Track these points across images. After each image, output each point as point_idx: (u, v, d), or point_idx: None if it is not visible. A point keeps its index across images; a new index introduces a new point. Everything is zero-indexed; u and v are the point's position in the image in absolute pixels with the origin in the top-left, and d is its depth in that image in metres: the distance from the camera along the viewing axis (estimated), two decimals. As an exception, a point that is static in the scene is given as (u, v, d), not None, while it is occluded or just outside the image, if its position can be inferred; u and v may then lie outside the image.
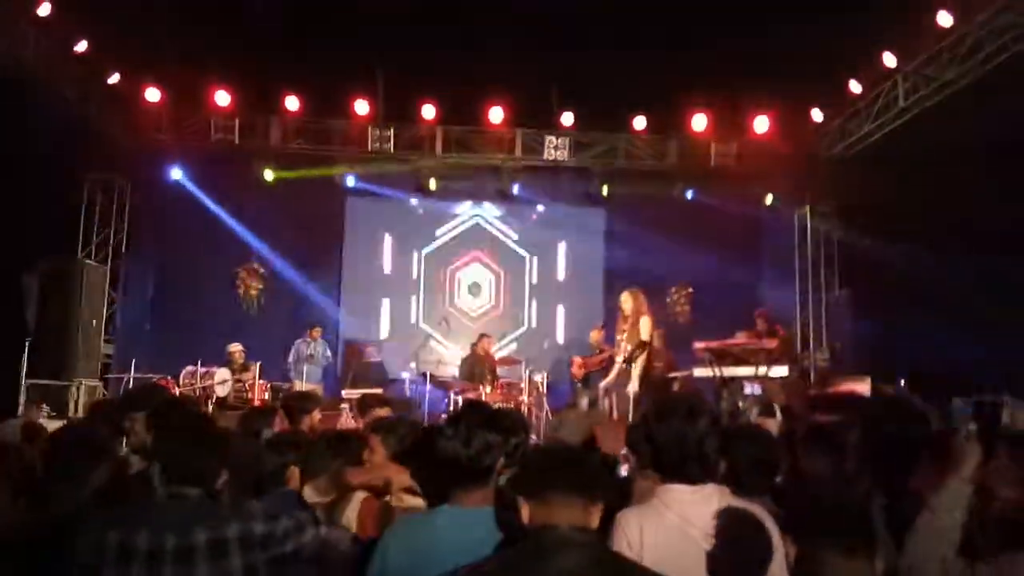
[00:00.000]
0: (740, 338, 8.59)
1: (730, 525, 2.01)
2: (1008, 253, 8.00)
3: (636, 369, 7.06)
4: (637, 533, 2.03)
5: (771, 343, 7.82)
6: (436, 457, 2.19)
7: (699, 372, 8.15)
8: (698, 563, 1.98)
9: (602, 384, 7.61)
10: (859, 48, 9.13)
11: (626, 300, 7.34)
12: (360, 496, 2.69)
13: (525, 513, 1.81)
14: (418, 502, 2.61)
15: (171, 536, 1.98)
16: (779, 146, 11.25)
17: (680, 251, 11.45)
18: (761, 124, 11.01)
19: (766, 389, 7.74)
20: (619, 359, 7.38)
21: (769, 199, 11.65)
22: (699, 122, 11.00)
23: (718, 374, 7.72)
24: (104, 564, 1.98)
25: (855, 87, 9.86)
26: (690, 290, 11.79)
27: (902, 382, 9.15)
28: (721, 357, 7.92)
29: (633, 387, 7.02)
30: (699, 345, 8.13)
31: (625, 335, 7.27)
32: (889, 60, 9.10)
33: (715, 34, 8.75)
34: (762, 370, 7.55)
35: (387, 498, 2.68)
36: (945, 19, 8.12)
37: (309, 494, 2.70)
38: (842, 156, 10.80)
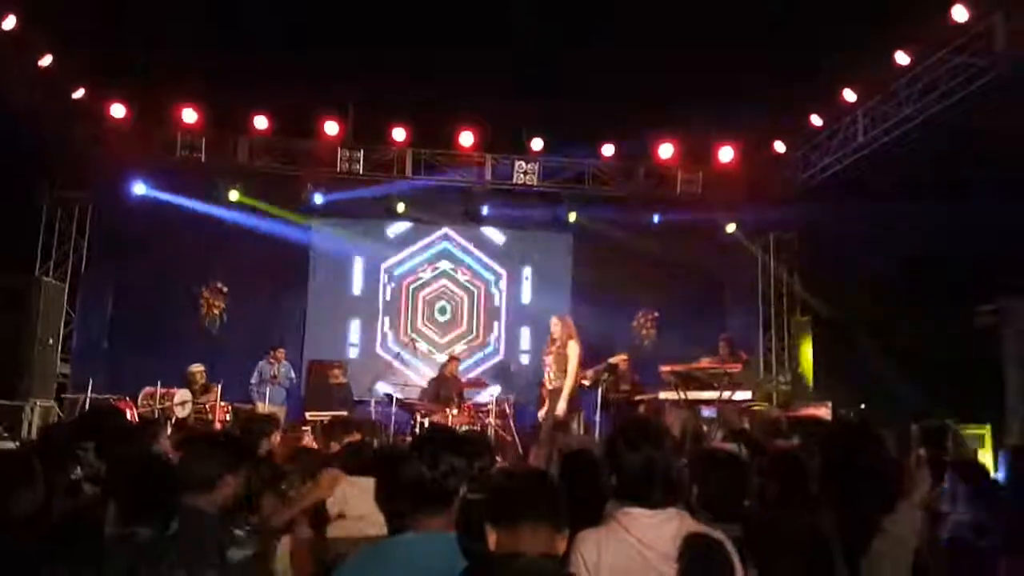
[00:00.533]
0: (704, 362, 8.72)
1: (693, 550, 2.03)
2: (972, 282, 8.27)
3: (565, 391, 7.10)
4: (595, 554, 2.04)
5: (734, 367, 7.95)
6: (399, 480, 2.17)
7: (664, 395, 8.24)
8: None
9: (541, 413, 7.60)
10: (821, 83, 9.42)
11: (555, 325, 7.41)
12: (286, 541, 2.59)
13: (492, 540, 1.81)
14: (356, 526, 2.54)
15: None
16: (743, 176, 11.52)
17: (646, 276, 11.62)
18: (726, 154, 11.28)
19: (722, 413, 7.86)
20: (548, 383, 7.42)
21: (733, 227, 11.87)
22: (665, 151, 11.22)
23: (683, 397, 7.81)
24: None
25: (816, 120, 10.16)
26: (656, 314, 11.91)
27: (862, 406, 9.36)
28: (686, 381, 8.02)
29: (562, 407, 7.05)
30: (665, 369, 8.22)
31: (552, 358, 7.32)
32: (849, 96, 9.42)
33: (683, 66, 8.94)
34: (726, 394, 7.65)
35: (322, 527, 2.61)
36: (903, 58, 8.45)
37: (234, 545, 2.49)
38: (804, 186, 11.07)
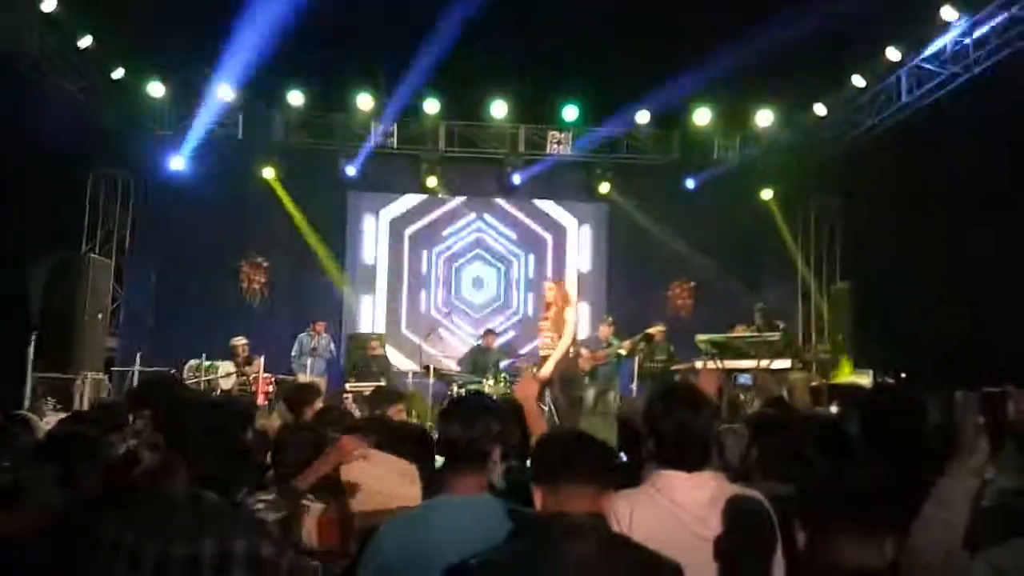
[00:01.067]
0: (739, 330, 8.66)
1: (730, 513, 2.04)
2: (1009, 247, 8.02)
3: (557, 354, 6.77)
4: (627, 515, 2.06)
5: (773, 336, 7.87)
6: (437, 441, 2.21)
7: (701, 364, 8.21)
8: (687, 547, 2.00)
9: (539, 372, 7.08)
10: (862, 42, 9.15)
11: (551, 290, 7.12)
12: (316, 509, 2.60)
13: (538, 500, 1.84)
14: (382, 499, 2.56)
15: (180, 544, 1.91)
16: (782, 140, 11.29)
17: (682, 245, 11.51)
18: (764, 118, 11.04)
19: (758, 380, 7.81)
20: (545, 349, 7.06)
21: (771, 193, 11.67)
22: (702, 116, 11.03)
23: (720, 366, 7.77)
24: (117, 563, 1.94)
25: (858, 81, 9.87)
26: (692, 284, 11.81)
27: (903, 375, 9.21)
28: (723, 350, 7.98)
29: (548, 368, 6.76)
30: (701, 338, 8.19)
31: (550, 324, 6.99)
32: (892, 54, 9.12)
33: (718, 28, 8.75)
34: (764, 363, 7.60)
35: (346, 499, 2.62)
36: (949, 14, 8.15)
37: (261, 509, 2.55)
38: (845, 149, 10.81)
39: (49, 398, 8.45)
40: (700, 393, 2.31)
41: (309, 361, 9.96)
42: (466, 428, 2.14)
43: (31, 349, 8.70)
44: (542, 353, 7.00)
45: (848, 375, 9.52)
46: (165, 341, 10.49)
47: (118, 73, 10.01)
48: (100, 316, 9.90)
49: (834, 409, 7.79)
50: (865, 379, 8.92)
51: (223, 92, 10.59)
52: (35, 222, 9.33)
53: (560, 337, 6.78)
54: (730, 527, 2.05)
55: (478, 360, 9.85)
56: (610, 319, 9.74)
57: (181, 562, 1.90)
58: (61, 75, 9.39)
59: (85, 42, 9.22)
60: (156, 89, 10.54)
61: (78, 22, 8.98)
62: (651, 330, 9.51)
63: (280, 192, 11.14)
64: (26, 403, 8.05)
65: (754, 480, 2.53)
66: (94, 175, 11.12)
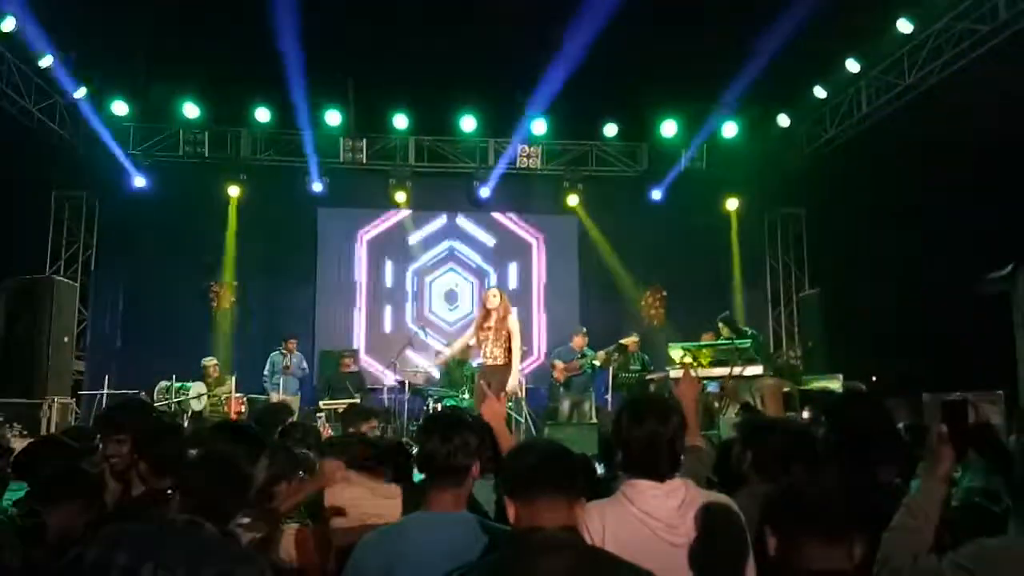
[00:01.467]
0: (708, 338, 8.75)
1: (700, 519, 2.06)
2: (977, 252, 8.23)
3: (515, 366, 6.65)
4: (599, 525, 2.07)
5: (744, 343, 7.95)
6: (414, 459, 2.22)
7: (674, 373, 8.26)
8: (660, 556, 2.02)
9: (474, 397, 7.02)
10: (824, 55, 9.36)
11: (493, 297, 6.80)
12: (292, 528, 2.59)
13: (511, 514, 1.83)
14: (364, 518, 2.56)
15: (181, 569, 1.84)
16: (747, 151, 11.48)
17: (653, 255, 11.62)
18: (729, 129, 11.24)
19: (727, 388, 7.88)
20: (489, 359, 6.76)
21: (736, 203, 11.84)
22: (669, 128, 11.19)
23: (694, 375, 7.82)
24: None
25: (819, 92, 10.10)
26: (663, 293, 11.92)
27: (872, 379, 9.37)
28: (696, 358, 8.04)
29: (512, 382, 6.63)
30: (674, 347, 8.25)
31: (491, 335, 6.68)
32: (852, 66, 9.35)
33: (684, 42, 8.89)
34: (736, 370, 7.67)
35: (321, 522, 2.61)
36: (905, 26, 8.39)
37: (239, 533, 2.47)
38: (809, 159, 11.03)
39: (15, 424, 8.24)
40: (668, 403, 2.34)
41: (281, 380, 9.85)
42: (444, 442, 2.15)
43: (-6, 375, 8.51)
44: (488, 363, 6.78)
45: (818, 381, 9.65)
46: (134, 363, 10.31)
47: (80, 92, 9.87)
48: (66, 339, 9.71)
49: (806, 415, 7.89)
50: (835, 384, 9.04)
51: (189, 110, 10.49)
52: (-3, 244, 9.16)
53: (508, 346, 6.64)
54: (701, 533, 2.06)
55: (454, 374, 9.81)
56: (584, 330, 9.78)
57: None
58: (21, 95, 9.24)
59: (46, 62, 9.09)
60: (120, 108, 10.41)
61: (38, 42, 8.86)
62: (625, 340, 9.61)
63: (233, 214, 10.99)
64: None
65: (751, 483, 2.55)
66: (57, 196, 10.93)
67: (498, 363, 6.68)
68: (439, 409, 8.37)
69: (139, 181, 10.82)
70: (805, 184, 11.32)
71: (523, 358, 7.43)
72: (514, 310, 6.94)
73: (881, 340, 9.41)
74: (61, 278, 10.22)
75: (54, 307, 9.37)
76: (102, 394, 9.41)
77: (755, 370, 7.92)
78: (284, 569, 2.45)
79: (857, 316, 10.04)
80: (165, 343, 10.35)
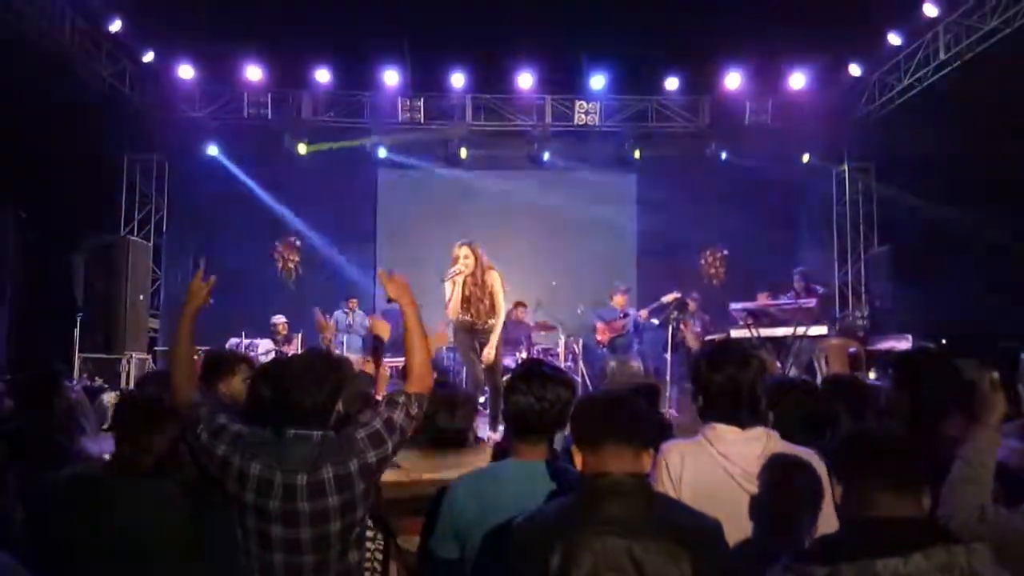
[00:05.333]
0: (763, 297, 8.57)
1: (778, 470, 2.05)
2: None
3: (498, 329, 5.88)
4: (678, 464, 2.09)
5: (809, 302, 7.78)
6: (505, 412, 2.27)
7: (736, 334, 8.15)
8: (732, 501, 2.03)
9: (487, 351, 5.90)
10: (898, -2, 8.89)
11: (466, 254, 5.86)
12: None
13: (578, 460, 1.87)
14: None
15: (303, 474, 2.11)
16: (816, 102, 11.05)
17: (713, 213, 11.38)
18: (797, 80, 10.81)
19: (794, 347, 7.72)
20: (474, 320, 5.95)
21: (806, 157, 11.46)
22: (732, 80, 10.84)
23: (755, 335, 7.72)
24: (246, 492, 2.12)
25: (894, 39, 9.60)
26: (724, 252, 11.70)
27: (943, 341, 9.05)
28: (758, 318, 7.91)
29: (492, 349, 5.82)
30: (735, 306, 8.12)
31: (475, 299, 5.87)
32: (930, 10, 8.85)
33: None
34: (800, 330, 7.53)
35: None
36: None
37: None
38: (881, 111, 10.55)
39: (96, 377, 8.70)
40: (747, 348, 2.31)
41: (345, 338, 10.10)
42: (538, 399, 2.19)
43: (77, 331, 8.96)
44: (478, 325, 5.97)
45: (885, 341, 9.39)
46: (204, 320, 10.62)
47: (148, 56, 10.12)
48: (141, 298, 10.14)
49: (872, 375, 7.71)
50: (904, 344, 8.79)
51: (252, 73, 10.67)
52: (74, 207, 9.54)
53: (491, 307, 5.91)
54: (774, 484, 2.06)
55: (510, 333, 9.87)
56: (623, 287, 9.64)
57: (307, 488, 2.11)
58: (92, 60, 9.54)
59: (115, 26, 9.33)
60: (186, 71, 10.65)
61: (107, 6, 9.09)
62: (667, 298, 9.39)
63: (311, 170, 11.22)
64: (75, 383, 8.31)
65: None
66: (129, 159, 11.31)
67: (487, 327, 5.93)
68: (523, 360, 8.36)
69: (206, 144, 11.11)
70: (876, 137, 10.85)
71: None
72: (493, 268, 6.03)
73: (953, 301, 9.04)
74: (135, 238, 10.65)
75: (129, 267, 9.78)
76: (176, 350, 9.80)
77: (819, 330, 7.76)
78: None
79: (929, 275, 9.67)
80: (234, 301, 10.67)
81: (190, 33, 9.93)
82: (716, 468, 2.09)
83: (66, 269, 9.50)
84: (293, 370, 2.26)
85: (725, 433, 2.13)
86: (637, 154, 11.48)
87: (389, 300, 2.58)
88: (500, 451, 2.64)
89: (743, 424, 2.13)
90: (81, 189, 9.63)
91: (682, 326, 9.36)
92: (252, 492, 2.11)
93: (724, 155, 11.43)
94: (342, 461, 2.13)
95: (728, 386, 2.14)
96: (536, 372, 2.28)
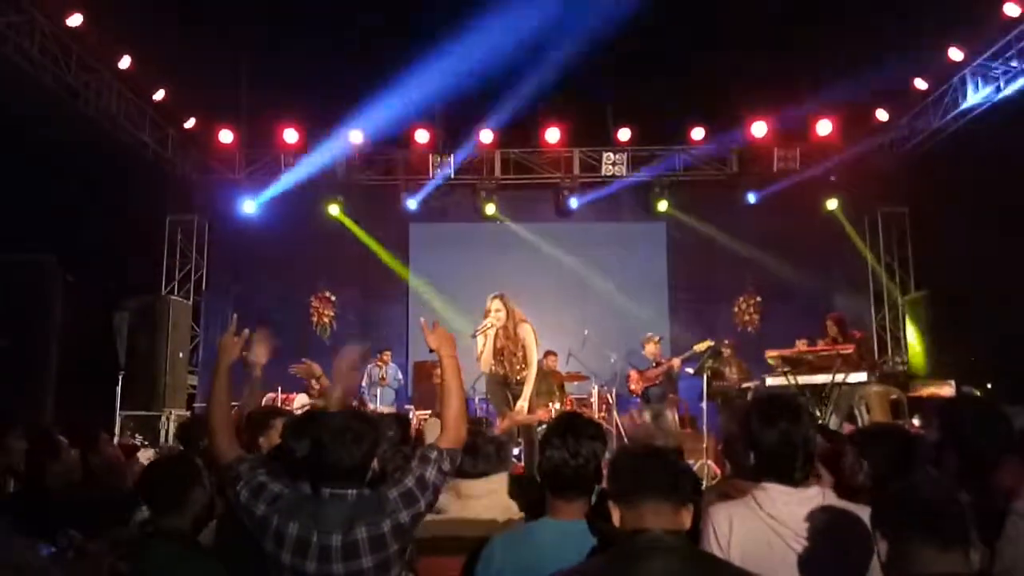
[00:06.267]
0: (801, 345, 8.42)
1: (828, 528, 1.99)
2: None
3: (530, 383, 5.78)
4: (727, 527, 2.02)
5: (847, 349, 7.64)
6: (540, 467, 2.25)
7: (772, 381, 8.02)
8: (784, 564, 1.96)
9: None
10: (923, 44, 8.94)
11: (499, 307, 5.79)
12: None
13: (616, 517, 1.85)
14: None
15: (337, 534, 2.11)
16: (844, 148, 11.06)
17: (745, 260, 11.34)
18: (824, 127, 10.86)
19: (836, 396, 7.54)
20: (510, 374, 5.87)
21: (835, 203, 11.41)
22: (759, 129, 10.92)
23: (792, 383, 7.59)
24: (283, 552, 2.13)
25: (920, 84, 9.64)
26: (758, 299, 11.60)
27: (988, 386, 8.80)
28: (795, 365, 7.78)
29: (524, 403, 5.74)
30: (771, 353, 8.00)
31: (507, 352, 5.83)
32: (955, 55, 8.89)
33: (772, 38, 8.69)
34: (839, 377, 7.38)
35: None
36: (1012, 10, 7.92)
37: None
38: (910, 154, 10.52)
39: (137, 434, 8.84)
40: (799, 402, 2.26)
41: (379, 391, 10.15)
42: (573, 455, 2.16)
43: (119, 388, 9.15)
44: (515, 379, 5.89)
45: (928, 388, 9.16)
46: (241, 377, 10.80)
47: (190, 123, 10.55)
48: (181, 355, 10.34)
49: (916, 422, 7.51)
50: (947, 390, 8.56)
51: (288, 135, 11.04)
52: (118, 267, 9.86)
53: (524, 360, 5.84)
54: (823, 543, 1.98)
55: (542, 384, 9.83)
56: (656, 337, 9.57)
57: (341, 548, 2.11)
58: (137, 127, 9.97)
59: (159, 95, 9.76)
60: (226, 136, 11.05)
61: (151, 77, 9.53)
62: (700, 346, 9.26)
63: (349, 224, 11.48)
64: (115, 439, 8.44)
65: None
66: (170, 220, 11.68)
67: (521, 379, 5.84)
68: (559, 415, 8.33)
69: (248, 206, 11.46)
70: (908, 181, 10.79)
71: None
72: (527, 321, 5.93)
73: (997, 345, 8.82)
74: (176, 297, 10.91)
75: (170, 325, 10.00)
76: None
77: (859, 377, 7.59)
78: None
79: (969, 319, 9.47)
80: (271, 356, 10.84)
81: (229, 100, 10.36)
82: (766, 531, 2.00)
83: (109, 328, 9.75)
84: (330, 428, 2.25)
85: (778, 495, 2.04)
86: (665, 204, 11.53)
87: (431, 350, 2.57)
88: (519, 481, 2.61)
89: (797, 482, 2.04)
90: (124, 250, 9.96)
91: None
92: (289, 552, 2.12)
93: (753, 201, 11.43)
94: (375, 522, 2.13)
95: (782, 443, 2.06)
96: (571, 426, 2.25)
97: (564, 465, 2.15)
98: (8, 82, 7.66)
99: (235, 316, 2.75)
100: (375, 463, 2.32)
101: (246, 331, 2.71)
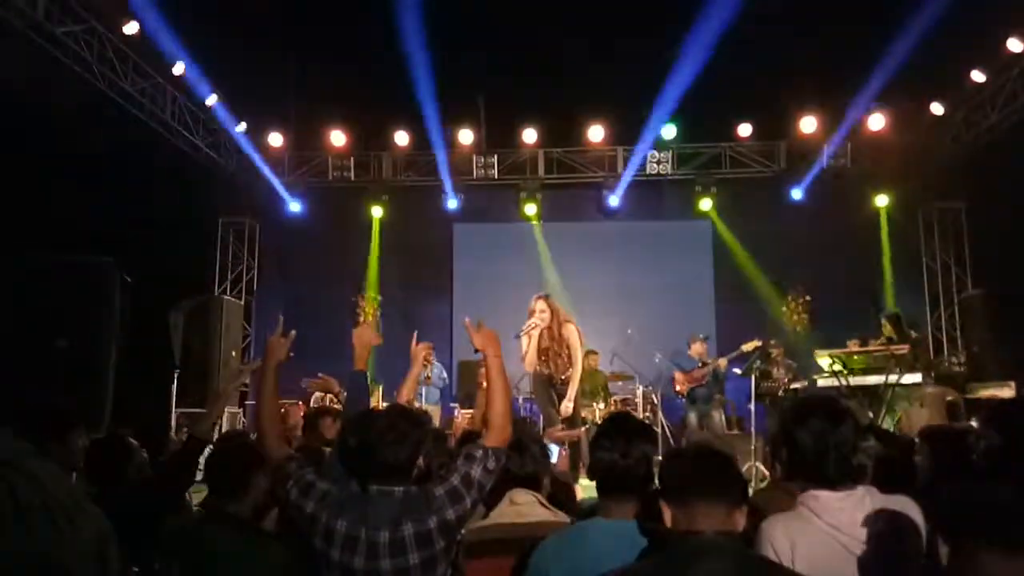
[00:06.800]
0: (853, 345, 8.24)
1: (883, 530, 1.96)
2: None
3: (575, 383, 5.76)
4: (787, 545, 1.97)
5: (901, 349, 7.44)
6: (591, 469, 2.25)
7: (822, 382, 7.86)
8: (848, 572, 1.93)
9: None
10: (980, 33, 8.66)
11: (543, 308, 5.83)
12: None
13: (668, 518, 1.83)
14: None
15: (385, 531, 2.14)
16: (896, 142, 10.77)
17: (794, 258, 11.12)
18: (876, 122, 10.58)
19: (886, 397, 7.35)
20: (556, 373, 5.89)
21: (886, 200, 11.12)
22: (807, 124, 10.70)
23: (844, 384, 7.42)
24: (331, 549, 2.16)
25: (977, 76, 9.32)
26: (807, 298, 11.37)
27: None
28: (847, 366, 7.61)
29: (569, 404, 5.72)
30: (822, 353, 7.84)
31: (551, 353, 5.83)
32: (1014, 45, 8.58)
33: (821, 29, 8.50)
34: (892, 378, 7.20)
35: None
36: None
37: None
38: (966, 149, 10.19)
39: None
40: (838, 402, 2.21)
41: (424, 390, 10.23)
42: (624, 456, 2.16)
43: (174, 387, 9.41)
44: (561, 377, 5.93)
45: (986, 389, 8.87)
46: (291, 375, 11.02)
47: (240, 127, 10.80)
48: (233, 354, 10.59)
49: (975, 424, 7.28)
50: (1007, 392, 8.28)
51: (335, 138, 11.22)
52: (173, 268, 10.13)
53: (568, 360, 5.85)
54: (880, 544, 1.95)
55: (585, 384, 9.80)
56: (702, 336, 9.44)
57: (389, 545, 2.13)
58: (191, 131, 10.24)
59: (211, 100, 10.01)
60: (275, 139, 11.29)
61: (204, 83, 9.78)
62: (747, 346, 9.10)
63: (376, 232, 11.63)
64: (172, 435, 8.69)
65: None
66: (223, 222, 11.97)
67: (566, 378, 5.86)
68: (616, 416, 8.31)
69: (293, 206, 11.70)
70: (964, 176, 10.44)
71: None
72: (571, 321, 5.97)
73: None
74: (229, 297, 11.18)
75: (223, 325, 10.25)
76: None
77: (914, 378, 7.39)
78: None
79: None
80: (319, 356, 10.99)
81: (279, 104, 10.56)
82: (829, 541, 1.96)
83: (164, 327, 10.02)
84: (377, 426, 2.28)
85: (829, 500, 2.00)
86: (711, 202, 11.39)
87: (476, 351, 2.59)
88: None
89: (838, 485, 2.01)
90: (179, 251, 10.23)
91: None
92: (337, 549, 2.15)
93: (802, 199, 11.21)
94: (421, 518, 2.15)
95: (815, 443, 2.03)
96: (621, 427, 2.24)
97: (615, 466, 2.15)
98: (67, 89, 7.94)
99: (282, 318, 2.79)
100: (421, 461, 2.33)
101: (293, 332, 2.70)
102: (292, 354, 2.71)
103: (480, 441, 2.37)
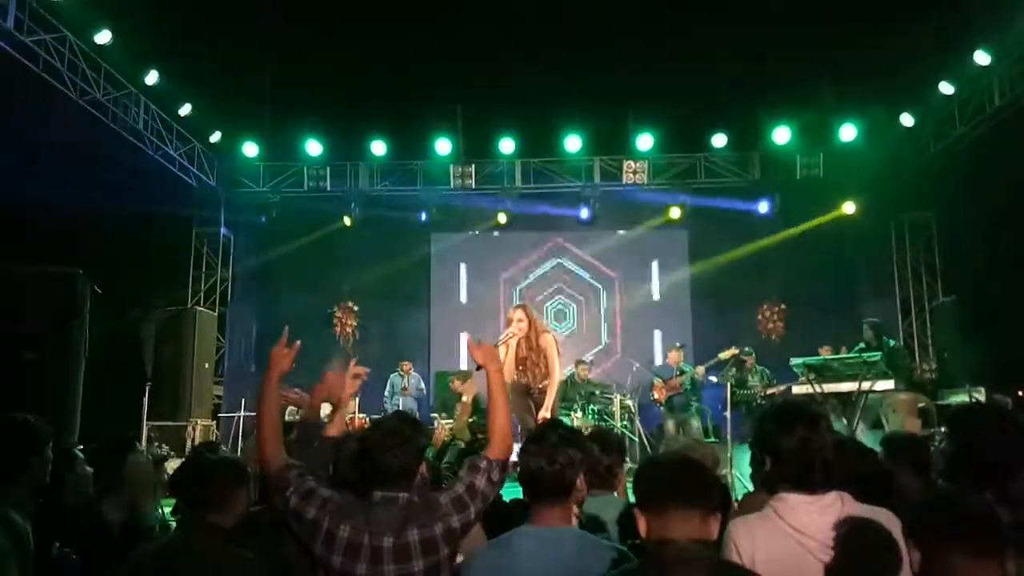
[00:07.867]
0: (825, 351, 8.34)
1: (854, 537, 1.94)
2: None
3: (553, 391, 5.71)
4: (749, 544, 1.97)
5: (873, 356, 7.53)
6: (519, 476, 2.26)
7: (797, 389, 7.93)
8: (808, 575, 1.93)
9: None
10: (949, 48, 8.84)
11: (520, 317, 5.78)
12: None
13: (642, 526, 1.82)
14: None
15: (389, 537, 2.14)
16: (868, 153, 10.95)
17: (768, 267, 11.25)
18: (848, 132, 10.75)
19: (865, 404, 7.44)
20: (532, 383, 5.82)
21: (861, 208, 11.28)
22: (781, 135, 10.85)
23: (818, 391, 7.49)
24: (332, 555, 2.15)
25: (946, 88, 9.51)
26: (782, 306, 11.49)
27: (1020, 393, 8.64)
28: (820, 373, 7.69)
29: (546, 410, 5.66)
30: (796, 361, 7.92)
31: (528, 363, 5.80)
32: (981, 58, 8.77)
33: (793, 40, 8.63)
34: (865, 385, 7.29)
35: None
36: (1040, 10, 7.81)
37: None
38: (936, 160, 10.38)
39: (163, 444, 8.93)
40: (816, 408, 2.21)
41: (400, 400, 10.18)
42: (549, 462, 2.19)
43: (145, 398, 9.25)
44: (537, 386, 5.82)
45: (957, 395, 9.00)
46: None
47: (215, 137, 10.70)
48: (207, 366, 10.44)
49: (944, 430, 7.38)
50: (978, 398, 8.40)
51: (311, 148, 11.15)
52: (145, 279, 9.99)
53: (545, 370, 5.79)
54: (850, 552, 1.93)
55: (567, 392, 9.81)
56: (678, 345, 9.50)
57: (392, 551, 2.13)
58: (164, 141, 10.13)
59: (185, 110, 9.91)
60: (250, 149, 11.19)
61: (177, 92, 9.68)
62: (725, 354, 9.18)
63: (353, 242, 11.57)
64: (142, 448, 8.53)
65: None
66: (197, 232, 11.83)
67: (543, 387, 5.80)
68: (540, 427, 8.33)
69: (269, 216, 11.58)
70: (934, 186, 10.63)
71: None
72: (548, 331, 5.93)
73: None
74: (202, 308, 11.03)
75: (196, 336, 10.10)
76: (239, 416, 10.04)
77: (885, 384, 7.48)
78: None
79: (999, 325, 9.29)
80: (295, 367, 10.91)
81: (253, 113, 10.49)
82: (790, 544, 1.95)
83: (136, 339, 9.87)
84: (379, 432, 2.29)
85: (798, 504, 1.99)
86: (686, 211, 11.48)
87: (478, 367, 2.62)
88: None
89: (815, 490, 2.00)
90: (151, 262, 10.10)
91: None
92: (339, 555, 2.14)
93: (776, 208, 11.35)
94: (427, 524, 2.16)
95: (800, 449, 2.01)
96: (547, 434, 2.28)
97: (540, 472, 2.17)
98: (38, 98, 7.81)
99: (287, 328, 2.78)
100: (424, 470, 2.36)
101: (298, 343, 2.70)
102: (295, 364, 2.68)
103: (484, 453, 2.39)
